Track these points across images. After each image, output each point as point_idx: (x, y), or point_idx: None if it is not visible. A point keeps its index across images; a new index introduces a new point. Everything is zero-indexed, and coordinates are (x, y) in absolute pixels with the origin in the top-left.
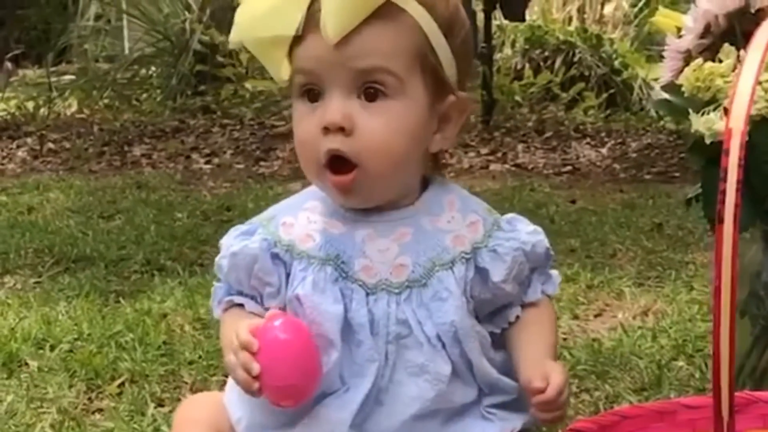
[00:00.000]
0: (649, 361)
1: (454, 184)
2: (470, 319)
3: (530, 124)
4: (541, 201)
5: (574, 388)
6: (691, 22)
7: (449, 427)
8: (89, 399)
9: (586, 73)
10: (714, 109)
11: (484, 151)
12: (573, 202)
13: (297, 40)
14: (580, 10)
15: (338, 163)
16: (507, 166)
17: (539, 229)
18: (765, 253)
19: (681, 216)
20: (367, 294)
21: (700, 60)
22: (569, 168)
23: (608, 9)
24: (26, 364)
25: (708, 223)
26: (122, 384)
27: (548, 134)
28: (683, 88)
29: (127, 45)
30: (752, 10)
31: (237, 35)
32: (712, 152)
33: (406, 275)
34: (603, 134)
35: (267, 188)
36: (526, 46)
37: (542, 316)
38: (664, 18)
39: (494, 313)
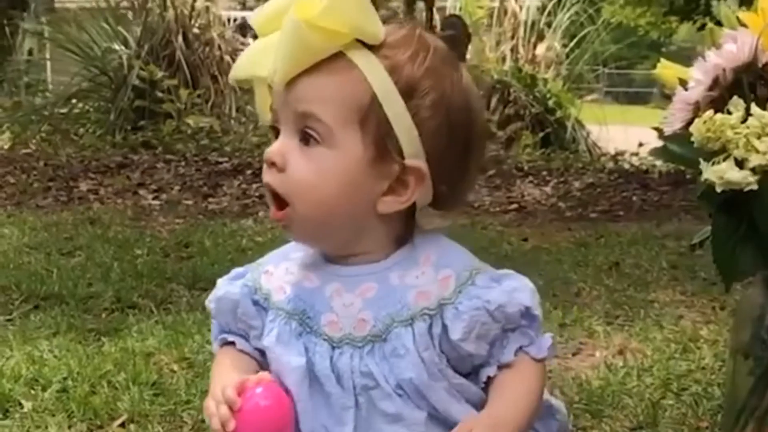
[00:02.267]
0: (639, 399)
1: (443, 239)
2: (435, 376)
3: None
4: (495, 239)
5: (570, 426)
6: (700, 74)
7: None
8: None
9: (522, 112)
10: (724, 159)
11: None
12: (525, 240)
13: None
14: (514, 50)
15: (279, 200)
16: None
17: (523, 286)
18: (767, 298)
19: (635, 255)
20: (333, 347)
21: (710, 112)
22: (515, 206)
23: (540, 49)
24: (20, 404)
25: (717, 269)
26: (123, 424)
27: (491, 173)
28: (693, 138)
29: (50, 77)
30: (759, 65)
31: (233, 73)
32: (721, 200)
33: (367, 330)
34: (544, 173)
35: (221, 225)
36: None
37: (514, 378)
38: (665, 69)
39: (473, 371)
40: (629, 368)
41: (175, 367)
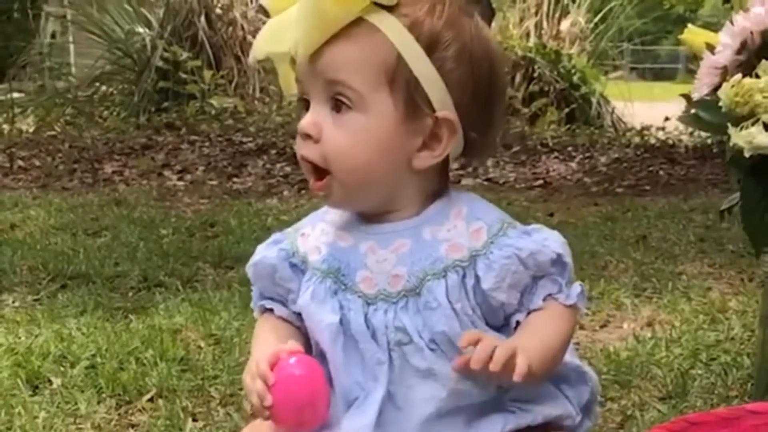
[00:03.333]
0: (668, 369)
1: (472, 195)
2: (465, 327)
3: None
4: (521, 215)
5: (598, 397)
6: (728, 38)
7: (472, 423)
8: (120, 414)
9: (546, 89)
10: (753, 124)
11: (454, 166)
12: (551, 215)
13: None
14: (538, 26)
15: (318, 170)
16: (479, 180)
17: (555, 237)
18: None
19: (662, 228)
20: (368, 304)
21: (738, 76)
22: (541, 182)
23: (565, 25)
24: (49, 381)
25: (747, 234)
26: (152, 399)
27: (516, 149)
28: (721, 103)
29: (73, 60)
30: None
31: (253, 54)
32: (750, 164)
33: (401, 285)
34: (569, 148)
35: (246, 204)
36: None
37: (541, 315)
38: (692, 35)
39: (505, 322)
40: (657, 339)
41: (202, 344)
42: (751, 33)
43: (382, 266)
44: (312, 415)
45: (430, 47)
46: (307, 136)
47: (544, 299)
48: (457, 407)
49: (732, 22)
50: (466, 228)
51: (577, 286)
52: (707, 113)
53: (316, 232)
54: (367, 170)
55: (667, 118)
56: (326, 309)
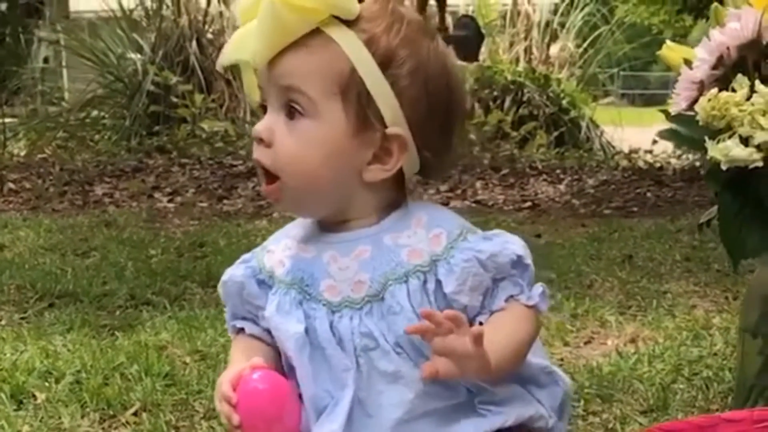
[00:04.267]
0: (650, 384)
1: (431, 204)
2: None
3: (486, 161)
4: None
5: (580, 410)
6: (704, 53)
7: (442, 427)
8: (104, 428)
9: (536, 113)
10: (729, 137)
11: (443, 188)
12: (538, 236)
13: None
14: (527, 51)
15: (269, 175)
16: (467, 202)
17: (515, 240)
18: None
19: (648, 248)
20: (333, 312)
21: (715, 90)
22: (529, 204)
23: (554, 50)
24: (34, 396)
25: (725, 247)
26: (136, 413)
27: (504, 171)
28: (698, 117)
29: (66, 85)
30: (764, 42)
31: (220, 60)
32: (727, 178)
33: (365, 290)
34: (558, 171)
35: (235, 225)
36: (475, 86)
37: (502, 315)
38: (670, 51)
39: (469, 324)
40: (641, 355)
41: (188, 360)
42: (728, 48)
43: (345, 274)
44: (283, 427)
45: (385, 63)
46: (260, 141)
47: (506, 300)
48: (427, 411)
49: (709, 37)
50: (426, 234)
51: (538, 287)
52: (685, 128)
53: (280, 247)
54: (314, 176)
55: (655, 141)
56: (292, 319)
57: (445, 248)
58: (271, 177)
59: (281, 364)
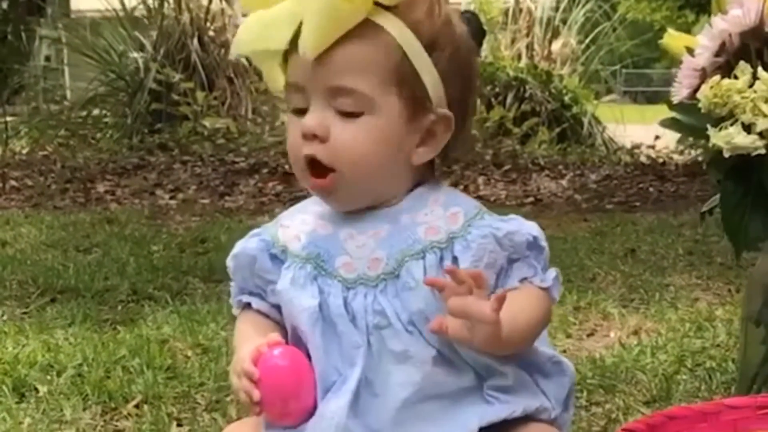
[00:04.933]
0: (653, 375)
1: (449, 188)
2: (443, 307)
3: (488, 157)
4: None
5: (583, 401)
6: (706, 40)
7: (449, 411)
8: (105, 420)
9: (538, 109)
10: (731, 124)
11: (444, 184)
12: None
13: (289, 55)
14: (529, 47)
15: (317, 168)
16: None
17: (531, 223)
18: None
19: (651, 242)
20: (348, 288)
21: (717, 77)
22: (531, 199)
23: (556, 46)
24: (36, 389)
25: (727, 235)
26: (138, 405)
27: (507, 167)
28: (700, 104)
29: (68, 84)
30: (766, 29)
31: (235, 48)
32: (730, 166)
33: (381, 268)
34: (560, 167)
35: (237, 221)
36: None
37: (516, 295)
38: (672, 40)
39: None
40: (643, 346)
41: (189, 353)
42: (730, 35)
43: (362, 251)
44: (299, 404)
45: (430, 47)
46: (314, 136)
47: (520, 281)
48: (434, 393)
49: (711, 25)
50: (443, 212)
51: (552, 271)
52: (687, 116)
53: (296, 223)
54: (374, 168)
55: (657, 137)
56: (306, 293)
57: (463, 226)
58: (322, 170)
59: (286, 342)
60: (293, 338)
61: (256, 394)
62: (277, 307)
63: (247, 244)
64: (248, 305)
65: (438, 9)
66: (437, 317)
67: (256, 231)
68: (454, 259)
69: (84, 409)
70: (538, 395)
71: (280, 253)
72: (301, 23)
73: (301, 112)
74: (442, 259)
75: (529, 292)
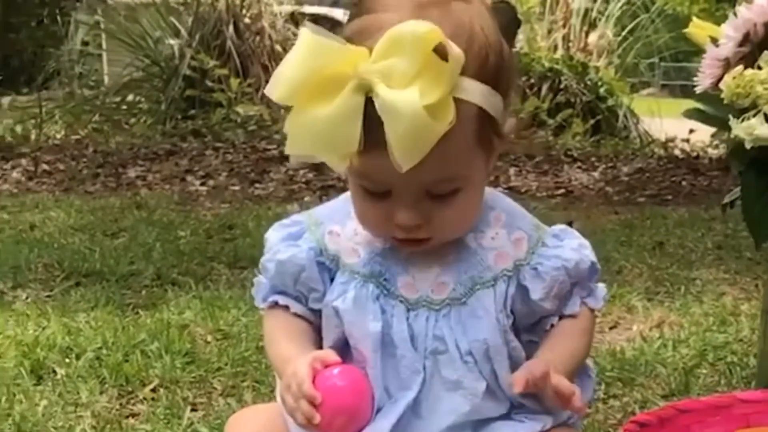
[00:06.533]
0: (673, 368)
1: (501, 196)
2: (504, 338)
3: (520, 148)
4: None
5: (601, 394)
6: (731, 30)
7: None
8: (121, 404)
9: (572, 100)
10: (754, 115)
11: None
12: (570, 223)
13: (360, 151)
14: (566, 39)
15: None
16: (500, 188)
17: (585, 243)
18: None
19: (680, 236)
20: (408, 309)
21: (740, 67)
22: (562, 191)
23: (593, 38)
24: (54, 371)
25: (747, 226)
26: (154, 390)
27: (539, 158)
28: (722, 95)
29: (106, 69)
30: None
31: (296, 150)
32: (751, 157)
33: (447, 293)
34: (593, 159)
35: (266, 209)
36: None
37: (573, 326)
38: (697, 29)
39: (534, 323)
40: (665, 340)
41: (209, 338)
42: (755, 24)
43: (426, 274)
44: (357, 424)
45: (494, 81)
46: (414, 227)
47: (579, 305)
48: (474, 421)
49: (736, 14)
50: (508, 237)
51: (602, 289)
52: (710, 106)
53: (348, 232)
54: (470, 224)
55: (691, 131)
56: (368, 315)
57: (527, 253)
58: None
59: (320, 345)
60: (336, 345)
61: (317, 418)
62: (316, 311)
63: (296, 252)
64: (277, 303)
65: (487, 40)
66: (521, 377)
67: (298, 230)
68: (524, 289)
69: (101, 393)
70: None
71: (328, 262)
72: (365, 118)
73: (376, 193)
74: (508, 286)
75: (582, 323)
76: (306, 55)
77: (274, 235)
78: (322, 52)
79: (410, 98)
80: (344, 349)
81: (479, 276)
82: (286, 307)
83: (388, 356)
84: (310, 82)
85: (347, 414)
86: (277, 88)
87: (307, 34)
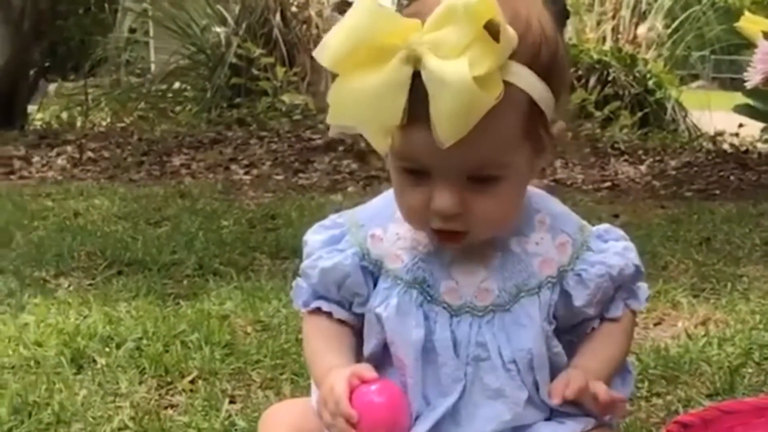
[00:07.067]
0: (718, 367)
1: (546, 197)
2: (547, 344)
3: (567, 140)
4: (585, 216)
5: (644, 392)
6: None
7: None
8: (160, 395)
9: (620, 92)
10: None
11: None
12: (616, 216)
13: (402, 127)
14: (615, 30)
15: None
16: (546, 181)
17: (630, 245)
18: None
19: (728, 231)
20: (451, 316)
21: None
22: (608, 184)
23: (642, 30)
24: (94, 360)
25: None
26: (193, 381)
27: (586, 151)
28: None
29: (153, 57)
30: None
31: (338, 119)
32: None
33: (491, 300)
34: (640, 152)
35: (309, 198)
36: None
37: (614, 330)
38: (749, 23)
39: (576, 325)
40: (710, 337)
41: (249, 330)
42: None
43: (470, 279)
44: None
45: (546, 76)
46: (453, 215)
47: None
48: (514, 427)
49: None
50: (552, 241)
51: (645, 290)
52: (761, 102)
53: (391, 236)
54: (510, 220)
55: (741, 125)
56: (411, 322)
57: (571, 258)
58: (454, 233)
59: (361, 350)
60: (377, 349)
61: None
62: (359, 316)
63: (341, 259)
64: (319, 309)
65: (542, 31)
66: (558, 390)
67: (339, 233)
68: (567, 294)
69: (140, 383)
70: None
71: (371, 266)
72: (411, 93)
73: (417, 173)
74: (552, 293)
75: (624, 326)
76: (358, 22)
77: (314, 238)
78: (375, 21)
79: (459, 68)
80: (384, 353)
81: (524, 283)
82: (329, 314)
83: (429, 363)
84: (360, 50)
85: (384, 430)
86: (325, 52)
87: (364, 1)
